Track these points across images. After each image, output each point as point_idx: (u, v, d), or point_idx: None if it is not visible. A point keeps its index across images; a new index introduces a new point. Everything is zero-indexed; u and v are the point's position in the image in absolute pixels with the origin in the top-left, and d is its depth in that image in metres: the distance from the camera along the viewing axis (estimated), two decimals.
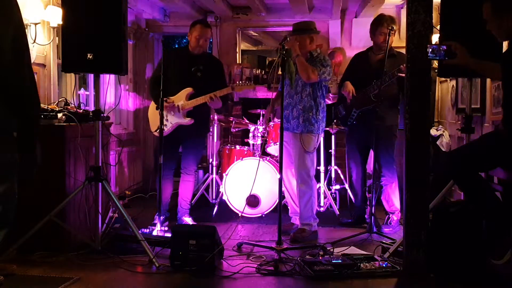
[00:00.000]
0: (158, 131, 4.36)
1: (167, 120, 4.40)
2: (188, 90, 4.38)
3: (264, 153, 5.23)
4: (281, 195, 3.74)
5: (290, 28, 4.44)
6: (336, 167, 5.53)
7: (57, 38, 4.30)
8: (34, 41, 4.01)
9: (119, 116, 6.15)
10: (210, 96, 4.30)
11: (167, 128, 4.41)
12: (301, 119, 4.23)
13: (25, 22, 3.87)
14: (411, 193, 3.18)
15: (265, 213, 4.91)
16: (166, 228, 4.01)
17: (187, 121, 4.37)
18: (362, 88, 4.51)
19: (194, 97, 4.37)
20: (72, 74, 3.79)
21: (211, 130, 5.33)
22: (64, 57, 3.56)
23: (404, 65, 4.19)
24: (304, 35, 4.26)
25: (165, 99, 4.22)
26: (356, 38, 6.46)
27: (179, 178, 4.61)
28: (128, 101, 6.48)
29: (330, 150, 5.51)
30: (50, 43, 4.29)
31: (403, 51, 3.39)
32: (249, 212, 4.89)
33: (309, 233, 4.23)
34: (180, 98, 4.38)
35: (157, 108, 4.31)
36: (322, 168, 5.23)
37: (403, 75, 4.15)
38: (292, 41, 4.06)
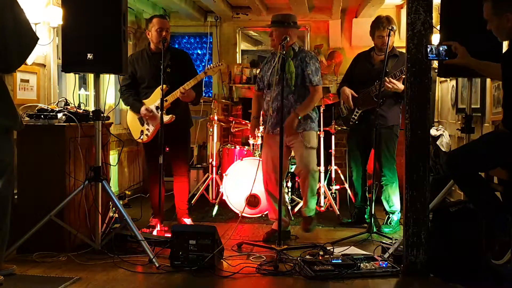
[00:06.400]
0: (142, 137, 4.36)
1: (147, 124, 4.34)
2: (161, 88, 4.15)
3: None
4: (281, 195, 3.74)
5: None
6: (336, 167, 5.52)
7: (57, 38, 4.30)
8: None
9: (119, 116, 6.14)
10: (180, 90, 4.16)
11: (150, 133, 4.33)
12: (302, 118, 4.04)
13: None
14: (411, 193, 3.18)
15: (265, 213, 4.91)
16: (166, 228, 4.00)
17: (168, 118, 4.17)
18: (365, 88, 4.50)
19: (169, 93, 4.20)
20: (72, 74, 3.78)
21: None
22: (64, 57, 3.55)
23: (398, 71, 4.24)
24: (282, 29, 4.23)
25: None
26: (356, 38, 6.46)
27: (170, 177, 4.55)
28: None
29: (330, 150, 5.50)
30: (50, 43, 4.28)
31: (404, 51, 3.38)
32: (249, 212, 4.89)
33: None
34: (156, 99, 4.22)
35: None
36: (322, 168, 5.23)
37: (398, 84, 4.20)
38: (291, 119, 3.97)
